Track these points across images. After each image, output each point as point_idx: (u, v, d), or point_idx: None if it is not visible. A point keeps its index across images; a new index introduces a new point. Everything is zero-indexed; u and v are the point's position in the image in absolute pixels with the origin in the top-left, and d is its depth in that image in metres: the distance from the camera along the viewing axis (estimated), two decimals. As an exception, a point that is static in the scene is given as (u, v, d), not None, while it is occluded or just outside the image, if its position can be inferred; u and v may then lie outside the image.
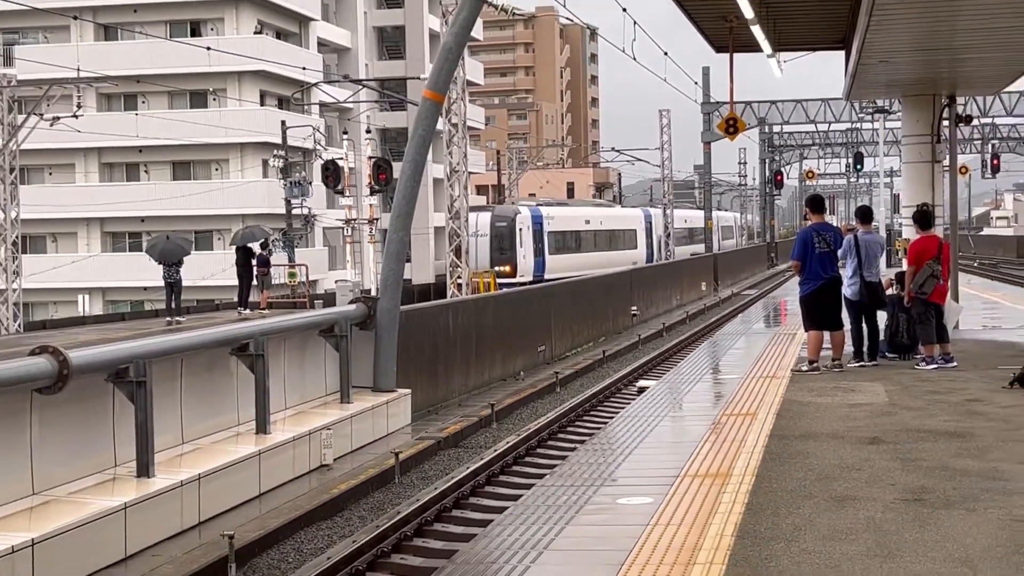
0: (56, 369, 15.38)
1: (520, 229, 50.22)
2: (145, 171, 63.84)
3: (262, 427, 20.53)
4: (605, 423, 19.59)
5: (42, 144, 45.78)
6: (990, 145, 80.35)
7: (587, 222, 61.14)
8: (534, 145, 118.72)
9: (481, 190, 76.97)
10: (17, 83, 39.52)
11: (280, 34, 65.85)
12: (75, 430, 16.74)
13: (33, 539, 13.93)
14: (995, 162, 75.70)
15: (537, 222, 53.26)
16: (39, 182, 61.58)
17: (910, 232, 21.33)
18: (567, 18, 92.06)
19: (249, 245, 31.60)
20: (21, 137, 38.56)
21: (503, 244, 47.75)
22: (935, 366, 16.53)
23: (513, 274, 49.12)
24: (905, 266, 17.35)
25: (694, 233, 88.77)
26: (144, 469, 17.04)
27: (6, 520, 14.62)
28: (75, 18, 51.54)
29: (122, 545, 15.49)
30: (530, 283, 45.91)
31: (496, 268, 45.82)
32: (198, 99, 63.21)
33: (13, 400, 15.47)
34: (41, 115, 38.88)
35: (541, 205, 57.92)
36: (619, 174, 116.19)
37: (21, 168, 38.79)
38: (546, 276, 49.95)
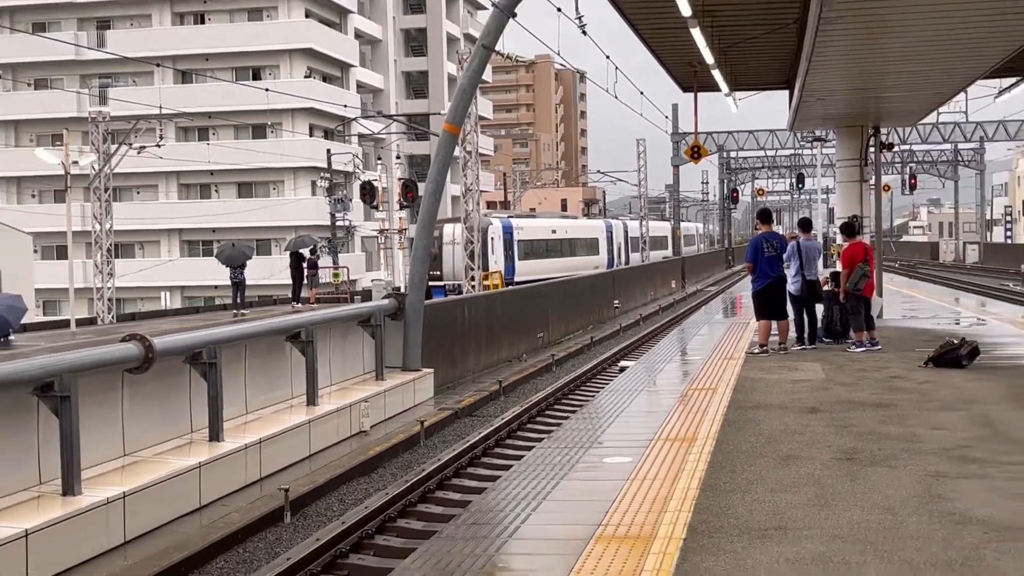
0: (143, 353, 15.42)
1: (491, 238, 45.31)
2: (215, 190, 63.85)
3: (312, 400, 20.56)
4: (593, 396, 19.58)
5: (131, 169, 45.75)
6: (908, 167, 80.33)
7: (553, 231, 56.56)
8: (534, 168, 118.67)
9: (490, 205, 76.71)
10: (111, 119, 39.48)
11: (326, 78, 65.84)
12: (158, 403, 16.77)
13: (124, 492, 13.97)
14: (912, 181, 75.88)
15: (508, 231, 48.83)
16: (129, 200, 61.53)
17: (843, 239, 21.36)
18: (561, 64, 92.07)
19: (300, 251, 31.58)
20: (114, 163, 38.57)
21: (475, 252, 43.99)
22: (864, 349, 16.55)
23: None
24: (840, 268, 17.36)
25: (662, 240, 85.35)
26: (215, 435, 17.08)
27: (103, 476, 14.66)
28: (158, 65, 51.46)
29: (197, 497, 15.52)
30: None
31: (471, 275, 41.99)
32: (259, 131, 63.15)
33: (108, 378, 15.52)
34: (130, 145, 38.87)
35: (512, 217, 53.79)
36: (604, 192, 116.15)
37: (114, 188, 38.78)
38: (516, 279, 46.73)
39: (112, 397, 15.71)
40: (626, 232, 71.16)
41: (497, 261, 45.46)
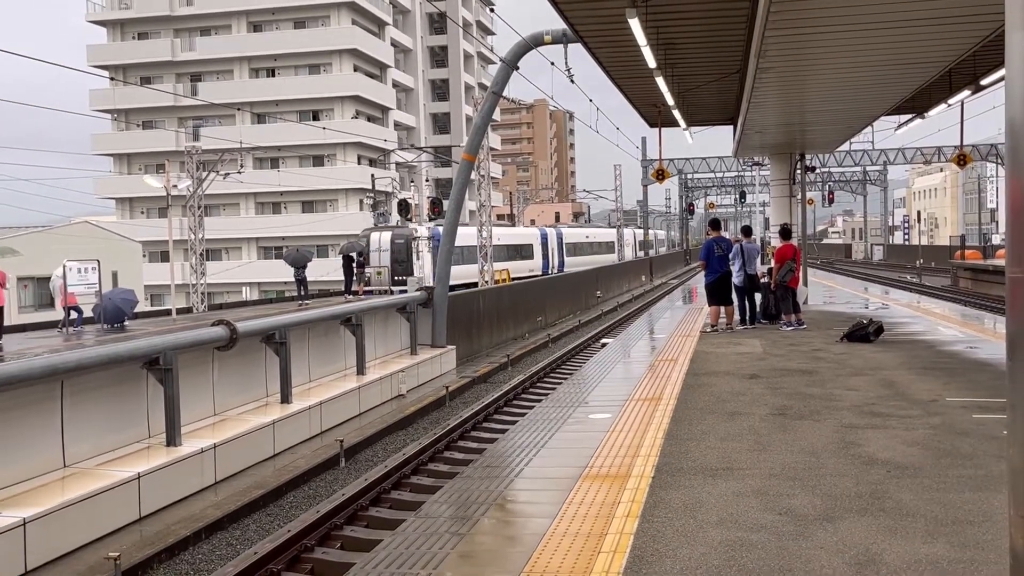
0: (229, 334, 15.44)
1: (417, 247, 38.65)
2: (284, 208, 63.84)
3: (360, 370, 20.57)
4: (580, 366, 19.59)
5: (218, 191, 45.70)
6: (827, 185, 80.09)
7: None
8: (533, 188, 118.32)
9: (500, 218, 76.33)
10: (202, 152, 39.45)
11: (370, 118, 65.75)
12: (240, 374, 16.79)
13: (215, 443, 13.99)
14: (830, 196, 75.54)
15: (437, 239, 39.11)
16: (216, 215, 61.50)
17: (776, 242, 21.30)
18: (554, 106, 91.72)
19: (350, 253, 31.50)
20: (205, 186, 38.57)
21: (400, 258, 36.73)
22: (792, 328, 16.53)
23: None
24: (773, 264, 17.34)
25: (651, 243, 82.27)
26: (286, 398, 17.09)
27: (198, 432, 14.68)
28: (239, 110, 51.52)
29: (272, 447, 15.54)
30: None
31: (396, 278, 35.61)
32: (317, 161, 63.16)
33: (202, 354, 15.54)
34: (217, 172, 38.80)
35: (440, 225, 42.38)
36: (588, 206, 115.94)
37: (205, 206, 38.75)
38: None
39: (205, 369, 15.74)
40: (560, 239, 58.79)
41: (424, 267, 37.65)
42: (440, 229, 39.04)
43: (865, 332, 14.53)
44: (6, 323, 17.92)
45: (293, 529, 10.66)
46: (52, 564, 10.45)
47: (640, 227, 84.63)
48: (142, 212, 64.77)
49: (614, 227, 74.16)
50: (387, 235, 36.84)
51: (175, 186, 25.83)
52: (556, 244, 57.29)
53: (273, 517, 12.52)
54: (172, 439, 13.64)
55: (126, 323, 19.94)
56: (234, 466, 14.26)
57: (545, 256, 56.31)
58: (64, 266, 19.67)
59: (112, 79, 62.05)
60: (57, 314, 20.52)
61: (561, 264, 56.38)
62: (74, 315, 19.88)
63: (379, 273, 34.89)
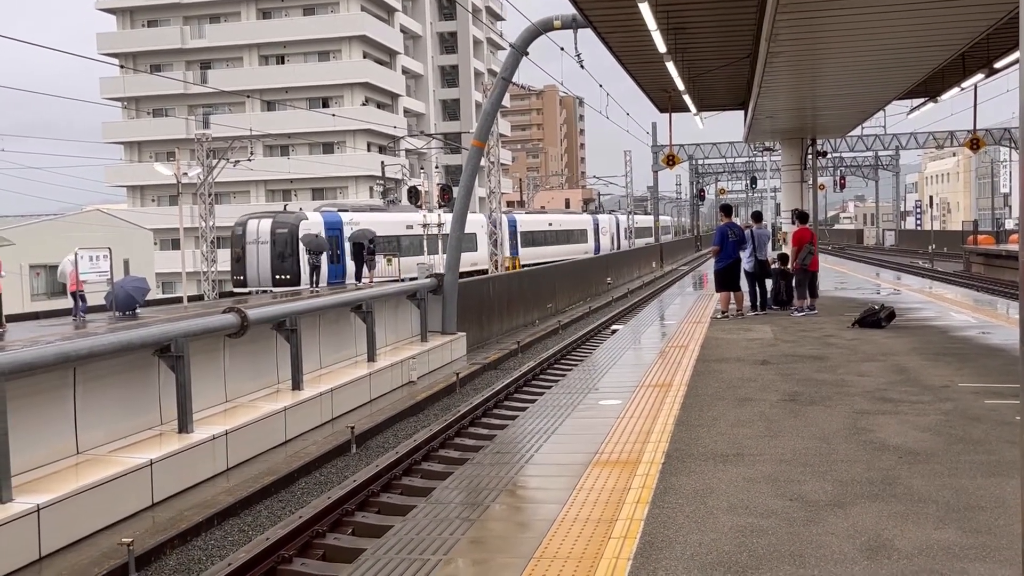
0: (239, 322, 15.49)
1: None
2: (294, 195, 63.79)
3: (372, 357, 20.61)
4: (590, 353, 19.59)
5: (228, 179, 45.83)
6: (838, 170, 79.79)
7: (409, 227, 36.71)
8: (543, 174, 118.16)
9: (510, 205, 76.13)
10: (212, 139, 39.49)
11: (380, 105, 65.69)
12: (252, 360, 16.85)
13: (227, 429, 14.06)
14: (842, 182, 75.56)
15: (334, 228, 31.73)
16: (227, 203, 61.59)
17: (789, 227, 21.25)
18: (564, 92, 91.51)
19: (361, 241, 31.52)
20: (215, 174, 38.65)
21: (284, 252, 28.63)
22: (804, 313, 16.47)
23: (295, 282, 29.05)
24: (789, 248, 17.24)
25: (645, 230, 77.54)
26: (297, 385, 17.15)
27: (210, 418, 14.74)
28: (248, 97, 51.64)
29: (283, 433, 15.61)
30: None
31: (277, 276, 28.27)
32: (327, 148, 63.18)
33: (213, 341, 15.59)
34: (228, 160, 38.88)
35: (343, 211, 34.21)
36: (598, 192, 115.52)
37: (215, 194, 38.81)
38: (347, 282, 30.62)
39: (216, 356, 15.79)
40: (514, 227, 46.90)
41: (319, 264, 29.79)
42: (343, 215, 32.12)
43: (877, 318, 14.47)
44: (7, 311, 18.02)
45: (305, 515, 10.72)
46: (66, 550, 10.54)
47: (626, 212, 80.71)
48: (153, 200, 64.80)
49: (611, 213, 69.94)
50: (267, 224, 29.22)
51: (185, 174, 25.88)
52: (508, 233, 44.23)
53: (285, 503, 12.58)
54: (184, 426, 13.71)
55: (138, 311, 20.01)
56: (246, 452, 14.33)
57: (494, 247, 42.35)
58: (76, 253, 19.74)
59: (122, 67, 62.12)
60: (69, 302, 20.60)
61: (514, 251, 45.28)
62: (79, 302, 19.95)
63: (389, 260, 34.61)
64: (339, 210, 33.54)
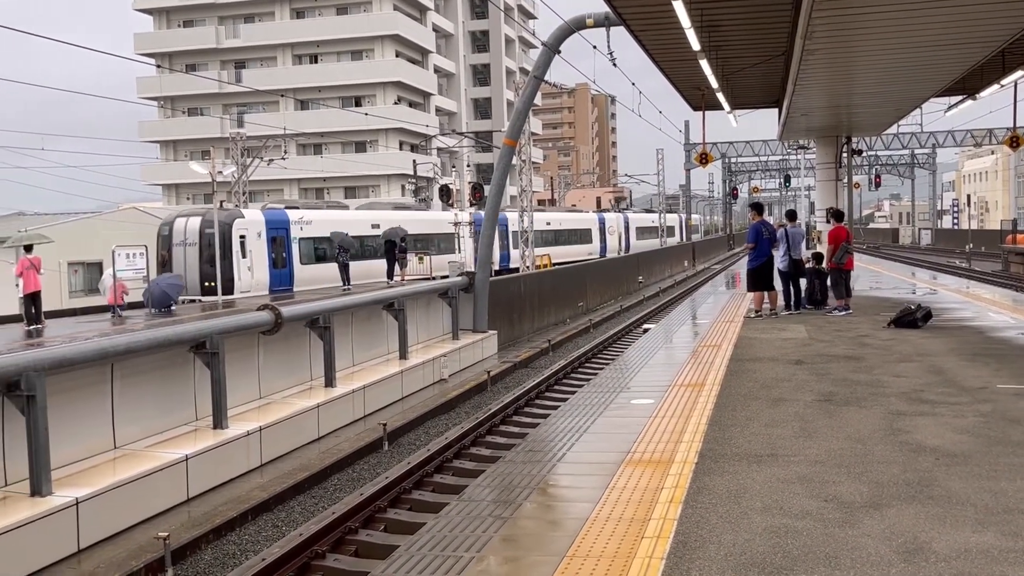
0: (273, 319, 15.63)
1: (240, 237, 25.32)
2: (327, 193, 64.24)
3: (403, 355, 20.71)
4: (622, 352, 19.52)
5: (262, 177, 46.26)
6: (873, 169, 78.89)
7: (375, 227, 31.61)
8: (574, 173, 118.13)
9: (541, 203, 75.93)
10: (246, 138, 39.90)
11: (412, 104, 65.93)
12: (285, 358, 16.99)
13: (261, 426, 14.19)
14: (877, 180, 74.50)
15: (277, 227, 27.12)
16: (261, 201, 62.16)
17: (823, 226, 21.03)
18: (596, 90, 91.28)
19: (393, 239, 31.63)
20: (249, 172, 39.03)
21: (214, 255, 22.76)
22: (842, 313, 16.31)
23: (228, 289, 24.31)
24: (826, 247, 17.08)
25: (666, 229, 69.43)
26: (330, 382, 17.26)
27: (244, 414, 14.89)
28: (282, 96, 52.00)
29: (316, 430, 15.73)
30: (268, 296, 24.29)
31: (206, 284, 23.94)
32: (360, 147, 63.54)
33: (248, 338, 15.74)
34: (262, 158, 39.27)
35: (291, 208, 29.82)
36: (630, 191, 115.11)
37: (249, 192, 39.21)
38: (296, 289, 26.75)
39: (250, 353, 15.94)
40: (505, 227, 41.29)
41: (252, 267, 25.69)
42: (290, 213, 28.30)
43: (913, 318, 14.29)
44: (46, 308, 18.33)
45: (337, 511, 10.79)
46: (104, 543, 10.70)
47: (641, 211, 77.69)
48: (188, 198, 65.49)
49: (622, 211, 65.23)
50: (196, 223, 24.95)
51: (220, 172, 26.02)
52: (498, 233, 40.71)
53: (318, 499, 12.67)
54: (219, 422, 13.86)
55: (173, 308, 20.25)
56: (279, 449, 14.45)
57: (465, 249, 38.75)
58: (113, 266, 20.01)
59: (159, 67, 62.84)
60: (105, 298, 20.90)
61: (505, 258, 41.07)
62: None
63: (420, 258, 34.62)
64: (287, 207, 29.52)
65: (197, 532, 10.88)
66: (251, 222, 26.15)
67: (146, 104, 63.28)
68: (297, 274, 27.24)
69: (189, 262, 24.72)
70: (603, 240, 54.90)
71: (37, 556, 9.92)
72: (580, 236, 51.69)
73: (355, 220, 31.45)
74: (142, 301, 20.58)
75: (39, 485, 10.56)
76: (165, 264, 24.79)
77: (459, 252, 35.10)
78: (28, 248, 18.04)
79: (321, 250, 28.74)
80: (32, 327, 17.39)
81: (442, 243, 36.20)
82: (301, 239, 28.00)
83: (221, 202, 25.73)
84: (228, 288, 23.93)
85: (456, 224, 36.76)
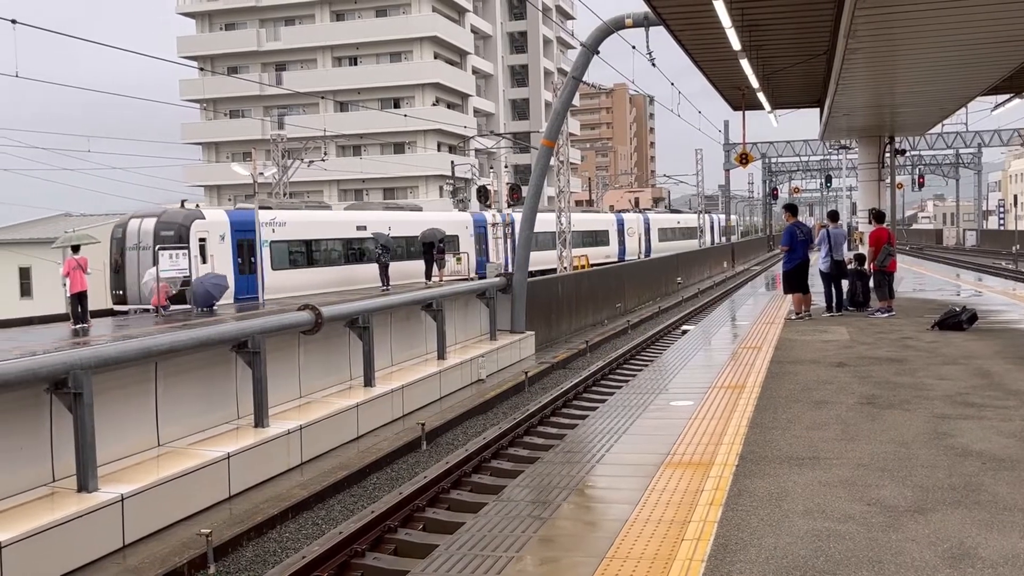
0: (314, 319, 15.77)
1: (200, 240, 22.94)
2: (366, 194, 64.66)
3: (441, 355, 20.78)
4: (661, 353, 19.43)
5: (302, 178, 46.71)
6: (917, 169, 77.78)
7: (360, 228, 29.25)
8: (612, 173, 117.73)
9: (578, 204, 75.73)
10: (287, 140, 40.32)
11: (450, 105, 66.15)
12: (325, 357, 17.12)
13: (301, 425, 14.33)
14: (920, 180, 73.58)
15: (244, 229, 24.27)
16: (301, 201, 62.84)
17: (865, 227, 20.80)
18: (634, 90, 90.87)
19: (431, 240, 31.77)
20: (290, 173, 39.43)
21: (171, 259, 21.20)
22: (885, 315, 16.09)
23: (184, 298, 21.19)
24: (866, 249, 16.87)
25: (687, 231, 67.41)
26: (369, 381, 17.38)
27: (284, 413, 15.03)
28: (322, 98, 52.45)
29: (355, 429, 15.84)
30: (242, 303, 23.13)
31: (174, 292, 20.99)
32: (398, 148, 63.89)
33: (288, 338, 15.89)
34: (302, 159, 39.70)
35: (263, 208, 25.51)
36: (668, 191, 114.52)
37: (289, 193, 39.57)
38: (266, 297, 23.31)
39: (291, 353, 16.10)
40: (512, 227, 37.21)
41: (216, 269, 22.82)
42: (262, 214, 24.54)
43: (958, 320, 14.07)
44: (91, 307, 18.65)
45: (377, 510, 10.87)
46: (148, 539, 10.86)
47: (665, 211, 74.48)
48: (229, 199, 66.26)
49: (642, 211, 61.57)
50: (150, 225, 22.87)
51: (261, 173, 26.33)
52: (504, 234, 38.22)
53: (357, 498, 12.76)
54: (260, 420, 14.01)
55: (215, 307, 20.52)
56: (319, 447, 14.58)
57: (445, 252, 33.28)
58: (156, 266, 20.30)
59: (201, 69, 63.69)
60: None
61: (481, 267, 35.31)
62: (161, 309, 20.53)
63: (458, 259, 34.60)
64: (259, 207, 25.82)
65: (239, 529, 11.01)
66: (213, 223, 23.74)
67: (189, 106, 64.18)
68: (268, 281, 24.02)
69: (143, 267, 22.23)
70: (621, 242, 52.05)
71: (84, 551, 10.10)
72: (595, 238, 48.30)
73: (337, 221, 28.91)
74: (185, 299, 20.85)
75: (86, 481, 10.75)
76: (118, 270, 22.85)
77: (453, 256, 32.05)
78: (75, 248, 18.38)
79: (297, 254, 26.15)
80: (78, 326, 17.73)
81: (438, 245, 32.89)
82: (273, 242, 25.31)
83: (183, 201, 24.22)
84: (183, 297, 21.56)
85: (494, 225, 36.78)
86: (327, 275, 26.64)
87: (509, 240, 37.40)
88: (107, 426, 11.70)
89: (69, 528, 9.94)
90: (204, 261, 22.83)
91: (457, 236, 34.54)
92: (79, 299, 17.94)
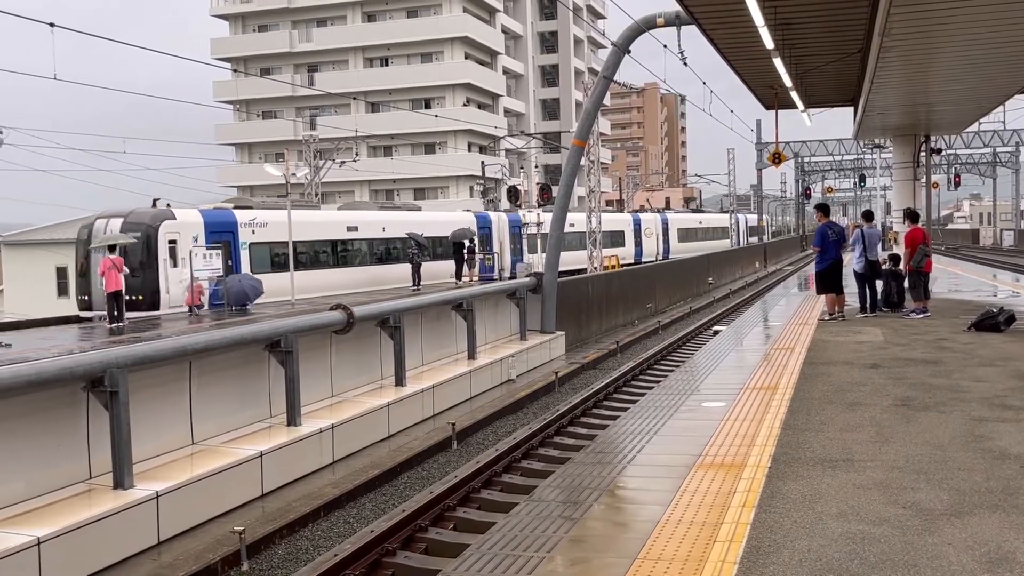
0: (346, 318, 15.87)
1: (170, 242, 21.29)
2: (397, 195, 64.94)
3: (471, 355, 20.82)
4: (692, 354, 19.34)
5: (334, 178, 47.02)
6: (953, 168, 76.74)
7: (351, 229, 27.67)
8: (643, 173, 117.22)
9: (609, 204, 75.55)
10: (319, 140, 40.59)
11: (480, 105, 66.27)
12: (356, 357, 17.22)
13: (333, 423, 14.42)
14: (956, 179, 72.53)
15: (220, 231, 22.82)
16: (332, 201, 63.15)
17: (900, 227, 20.55)
18: (665, 89, 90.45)
19: (461, 240, 31.81)
20: (322, 174, 39.69)
21: (135, 263, 20.58)
22: (921, 316, 15.90)
23: (154, 303, 20.84)
24: (902, 250, 16.68)
25: (710, 232, 64.70)
26: (400, 381, 17.45)
27: (316, 412, 15.13)
28: (354, 99, 52.81)
29: (386, 428, 15.91)
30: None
31: (127, 297, 19.22)
32: (429, 148, 64.12)
33: (320, 338, 16.00)
34: (333, 160, 39.95)
35: (242, 207, 25.06)
36: (700, 191, 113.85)
37: (322, 193, 39.82)
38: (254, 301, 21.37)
39: (323, 352, 16.21)
40: (517, 227, 37.12)
41: (184, 280, 21.00)
42: (238, 214, 23.65)
43: (995, 321, 13.85)
44: (59, 314, 18.77)
45: (408, 509, 10.91)
46: (182, 536, 10.99)
47: (688, 210, 72.91)
48: (262, 200, 66.80)
49: (660, 211, 59.16)
50: (116, 225, 21.24)
51: (294, 174, 26.53)
52: (508, 236, 37.19)
53: (388, 497, 12.82)
54: (292, 419, 14.11)
55: (248, 307, 20.71)
56: (351, 446, 14.67)
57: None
58: (191, 266, 20.51)
59: (234, 71, 64.31)
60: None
61: (484, 268, 34.48)
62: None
63: (488, 259, 34.56)
64: (236, 207, 24.64)
65: (271, 527, 11.11)
66: (184, 224, 21.94)
67: (222, 108, 64.81)
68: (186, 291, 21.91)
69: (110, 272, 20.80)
70: (638, 243, 49.76)
71: (119, 547, 10.24)
72: (609, 239, 44.72)
73: (326, 222, 26.80)
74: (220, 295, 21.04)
75: (121, 478, 10.89)
76: (84, 274, 21.34)
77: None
78: (111, 248, 18.62)
79: (280, 257, 23.88)
80: (114, 325, 17.97)
81: (439, 247, 31.19)
82: (253, 244, 23.45)
83: (155, 200, 22.68)
84: (153, 302, 20.55)
85: (524, 225, 36.69)
86: (314, 279, 24.29)
87: (519, 242, 36.56)
88: (142, 424, 11.85)
89: (105, 525, 10.08)
90: (175, 265, 21.10)
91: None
92: (114, 298, 18.19)
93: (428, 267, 28.23)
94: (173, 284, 20.89)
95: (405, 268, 27.66)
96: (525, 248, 37.53)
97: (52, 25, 17.07)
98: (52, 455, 10.88)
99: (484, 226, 34.88)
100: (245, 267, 23.08)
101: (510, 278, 29.37)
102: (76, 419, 11.22)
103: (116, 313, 18.22)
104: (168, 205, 22.43)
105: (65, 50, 21.13)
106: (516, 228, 37.09)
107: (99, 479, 11.21)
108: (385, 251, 29.03)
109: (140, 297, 20.37)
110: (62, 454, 11.01)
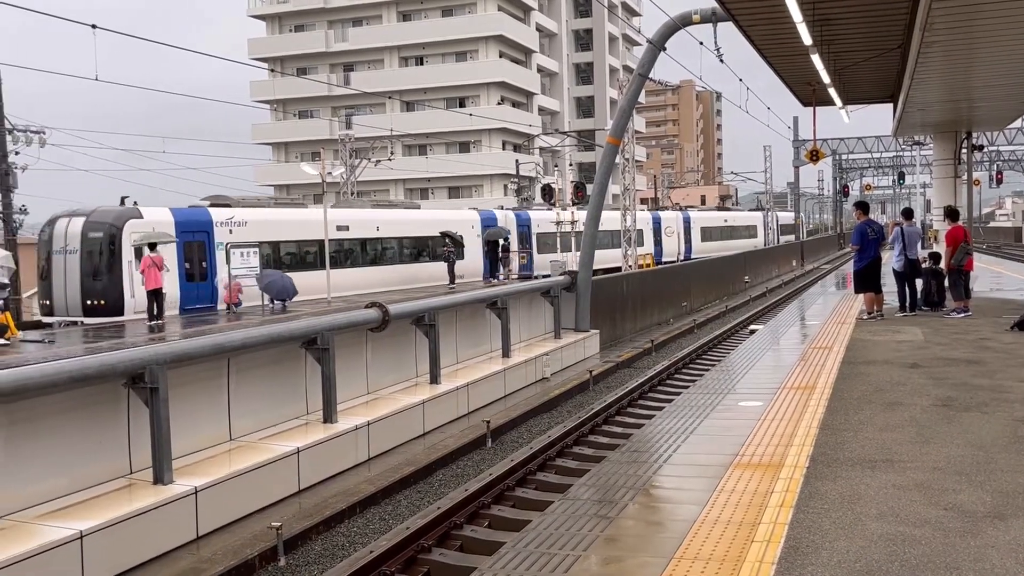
0: (381, 316, 15.95)
1: (137, 243, 19.73)
2: (431, 193, 65.21)
3: (506, 353, 20.83)
4: (728, 353, 19.20)
5: (369, 177, 47.28)
6: (995, 165, 75.47)
7: (342, 228, 25.90)
8: (678, 171, 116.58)
9: (643, 202, 75.03)
10: (354, 139, 40.82)
11: (515, 104, 66.30)
12: (392, 354, 17.30)
13: (368, 421, 14.49)
14: (999, 177, 71.39)
15: (194, 230, 21.45)
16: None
17: (940, 225, 20.25)
18: (701, 87, 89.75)
19: (496, 239, 31.83)
20: (357, 173, 39.93)
21: (98, 265, 19.69)
22: (961, 315, 15.65)
23: (117, 309, 19.75)
24: (944, 248, 16.44)
25: (737, 231, 60.81)
26: (434, 379, 17.50)
27: (352, 409, 15.22)
28: (389, 98, 53.06)
29: (421, 426, 15.96)
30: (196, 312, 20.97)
31: (88, 301, 19.50)
32: (464, 147, 64.26)
33: (356, 335, 16.10)
34: (369, 159, 40.19)
35: (219, 205, 23.15)
36: (736, 188, 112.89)
37: (357, 192, 40.02)
38: (221, 306, 21.40)
39: (359, 349, 16.30)
40: (527, 227, 36.46)
41: (137, 280, 19.59)
42: (213, 212, 22.17)
43: (1039, 321, 13.61)
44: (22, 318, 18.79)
45: (443, 506, 10.94)
46: (220, 531, 11.11)
47: (713, 208, 70.75)
48: (299, 198, 67.37)
49: (682, 209, 56.34)
50: (78, 225, 20.06)
51: (330, 173, 26.71)
52: (517, 236, 35.74)
53: (423, 494, 12.87)
54: (328, 416, 14.21)
55: (286, 303, 20.92)
56: (386, 443, 14.74)
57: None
58: (228, 264, 20.75)
59: (271, 71, 64.90)
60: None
61: (527, 266, 35.49)
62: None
63: (523, 258, 34.55)
64: (212, 205, 22.94)
65: (308, 523, 11.19)
66: (152, 224, 20.42)
67: (259, 107, 65.41)
68: (224, 289, 21.32)
69: (70, 274, 19.71)
70: (658, 242, 47.74)
71: (159, 541, 10.38)
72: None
73: (312, 221, 24.41)
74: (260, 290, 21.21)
75: (161, 473, 11.04)
76: (44, 276, 20.13)
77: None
78: (152, 247, 18.87)
79: (262, 257, 22.66)
80: (153, 322, 18.22)
81: (438, 248, 29.68)
82: (231, 245, 21.84)
83: (123, 199, 21.39)
84: (117, 307, 19.41)
85: (558, 223, 36.57)
86: (299, 281, 22.06)
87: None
88: (181, 420, 11.99)
89: (145, 519, 10.22)
90: (165, 269, 19.31)
91: (463, 237, 30.94)
92: (155, 296, 18.43)
93: (417, 269, 27.67)
94: (139, 287, 19.29)
95: (400, 270, 27.37)
96: (535, 247, 36.20)
97: (94, 27, 17.32)
98: (94, 450, 11.05)
99: (489, 226, 33.70)
100: (217, 269, 21.63)
101: (520, 278, 29.20)
102: (117, 415, 11.38)
103: (156, 312, 18.46)
104: (136, 203, 21.28)
105: (105, 51, 21.27)
106: (524, 227, 35.96)
107: (139, 474, 11.37)
108: (381, 251, 27.95)
109: (102, 302, 19.21)
110: (103, 449, 11.18)
